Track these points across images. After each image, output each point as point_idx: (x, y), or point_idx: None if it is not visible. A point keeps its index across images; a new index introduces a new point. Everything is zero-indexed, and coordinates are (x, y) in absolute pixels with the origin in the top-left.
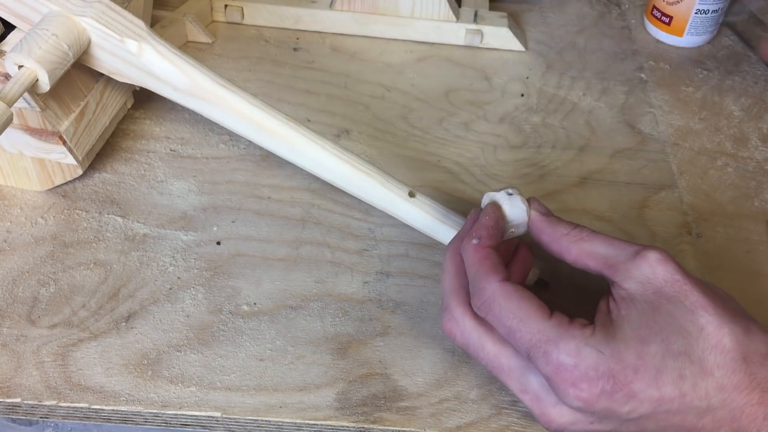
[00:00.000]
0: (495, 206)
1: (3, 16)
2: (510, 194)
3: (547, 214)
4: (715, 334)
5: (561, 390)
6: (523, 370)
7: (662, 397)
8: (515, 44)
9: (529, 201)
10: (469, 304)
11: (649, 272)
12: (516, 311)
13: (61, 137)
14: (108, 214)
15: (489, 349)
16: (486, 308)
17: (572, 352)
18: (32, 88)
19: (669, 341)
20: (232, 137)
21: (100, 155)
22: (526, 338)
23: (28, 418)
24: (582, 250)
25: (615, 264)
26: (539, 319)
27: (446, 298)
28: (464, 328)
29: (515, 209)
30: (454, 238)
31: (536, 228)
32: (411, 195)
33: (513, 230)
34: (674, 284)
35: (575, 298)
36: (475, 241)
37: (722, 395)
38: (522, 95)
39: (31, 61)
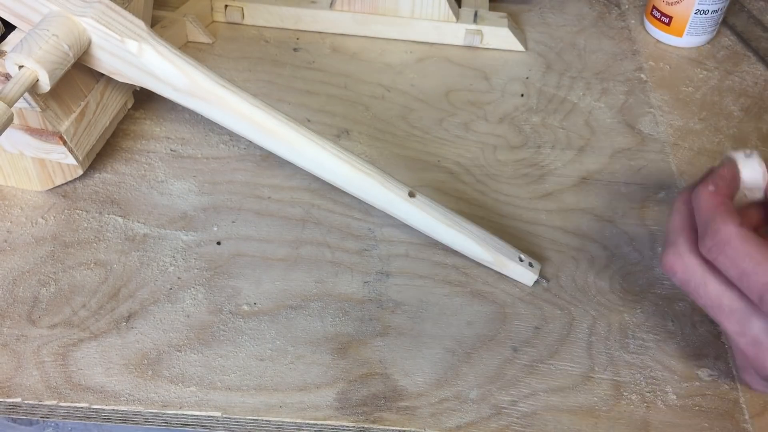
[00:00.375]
0: (732, 163)
1: (3, 17)
2: (748, 155)
3: None
4: None
5: None
6: (746, 313)
7: None
8: (515, 44)
9: None
10: (696, 245)
11: None
12: (754, 254)
13: (61, 137)
14: (108, 214)
15: (712, 287)
16: (719, 249)
17: None
18: (32, 89)
19: None
20: (232, 137)
21: (100, 155)
22: (762, 281)
23: (29, 417)
24: None
25: None
26: None
27: (673, 235)
28: (688, 263)
29: (751, 171)
30: (684, 188)
31: None
32: (411, 195)
33: (746, 194)
34: None
35: None
36: (711, 188)
37: None
38: (522, 95)
39: (32, 61)
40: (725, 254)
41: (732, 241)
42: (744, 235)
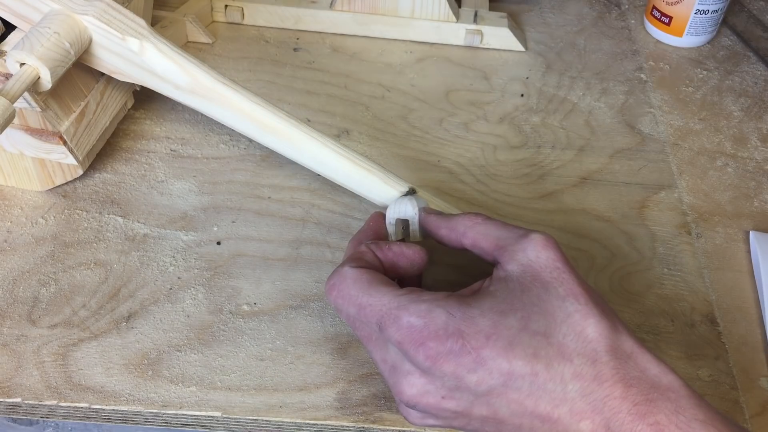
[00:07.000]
0: (377, 214)
1: (4, 17)
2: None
3: (439, 213)
4: (580, 322)
5: (411, 352)
6: (383, 340)
7: (512, 370)
8: (515, 44)
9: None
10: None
11: (533, 255)
12: (366, 288)
13: (61, 137)
14: (108, 214)
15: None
16: (335, 290)
17: (422, 313)
18: (34, 86)
19: (529, 319)
20: (233, 137)
21: (100, 155)
22: (377, 309)
23: (29, 417)
24: (478, 233)
25: (504, 245)
26: (390, 291)
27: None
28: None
29: (400, 206)
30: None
31: (433, 223)
32: (412, 192)
33: (412, 231)
34: (553, 271)
35: None
36: (353, 240)
37: (580, 383)
38: (522, 95)
39: (33, 58)
40: (341, 295)
41: (345, 280)
42: (356, 274)
